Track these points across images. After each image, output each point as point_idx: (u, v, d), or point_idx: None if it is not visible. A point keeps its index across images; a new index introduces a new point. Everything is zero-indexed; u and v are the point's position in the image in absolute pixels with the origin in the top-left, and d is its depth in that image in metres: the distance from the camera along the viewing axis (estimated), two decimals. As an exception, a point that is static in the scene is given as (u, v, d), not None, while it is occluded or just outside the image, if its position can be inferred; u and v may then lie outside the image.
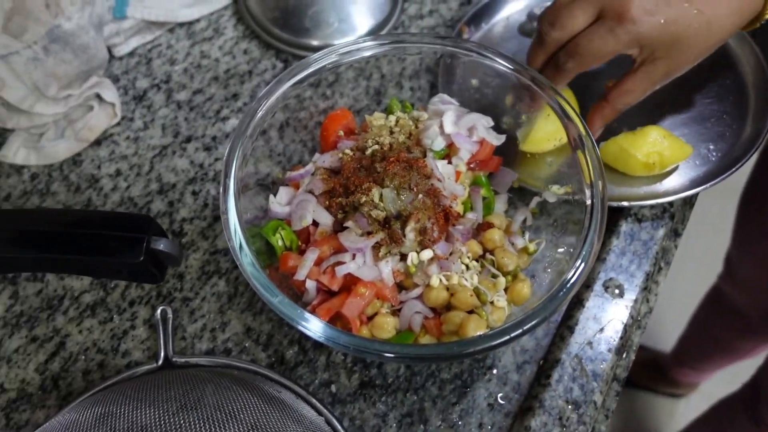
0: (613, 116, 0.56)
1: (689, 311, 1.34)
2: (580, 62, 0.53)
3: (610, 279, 0.56)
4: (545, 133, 0.53)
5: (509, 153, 0.56)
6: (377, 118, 0.55)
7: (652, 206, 0.59)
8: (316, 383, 0.53)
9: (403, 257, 0.48)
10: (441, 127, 0.53)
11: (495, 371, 0.53)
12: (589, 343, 0.53)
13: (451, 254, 0.49)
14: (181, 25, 0.72)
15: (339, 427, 0.49)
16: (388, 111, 0.57)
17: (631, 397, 1.54)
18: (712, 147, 0.60)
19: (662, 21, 0.50)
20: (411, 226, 0.47)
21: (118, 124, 0.65)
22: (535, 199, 0.55)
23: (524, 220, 0.55)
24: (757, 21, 0.53)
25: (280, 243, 0.50)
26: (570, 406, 0.51)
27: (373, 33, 0.70)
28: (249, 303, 0.56)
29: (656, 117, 0.62)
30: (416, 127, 0.54)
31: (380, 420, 0.51)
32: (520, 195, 0.56)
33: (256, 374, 0.51)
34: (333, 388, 0.52)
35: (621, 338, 0.54)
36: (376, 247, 0.48)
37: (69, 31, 0.59)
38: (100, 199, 0.61)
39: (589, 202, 0.46)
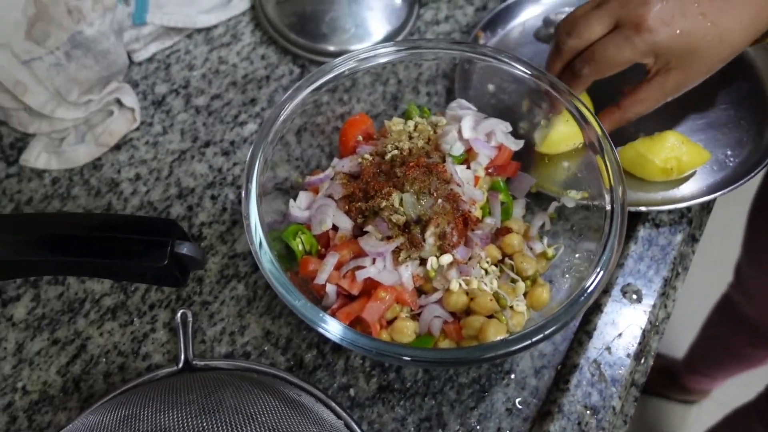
0: (622, 124, 0.57)
1: (701, 318, 1.33)
2: (596, 69, 0.53)
3: (628, 284, 0.56)
4: (563, 135, 0.54)
5: (527, 158, 0.56)
6: (396, 123, 0.55)
7: (669, 211, 0.59)
8: (334, 387, 0.53)
9: (423, 262, 0.48)
10: (459, 132, 0.53)
11: (513, 376, 0.53)
12: (608, 348, 0.53)
13: (470, 259, 0.49)
14: (199, 30, 0.72)
15: (358, 430, 0.50)
16: (406, 116, 0.57)
17: (642, 403, 1.54)
18: (729, 152, 0.60)
19: (678, 32, 0.50)
20: (431, 230, 0.48)
21: (138, 128, 0.66)
22: (554, 204, 0.55)
23: (542, 225, 0.55)
24: (766, 37, 0.54)
25: (300, 247, 0.50)
26: (588, 411, 0.51)
27: (390, 38, 0.70)
28: (268, 307, 0.56)
29: (673, 122, 0.62)
30: (435, 132, 0.54)
31: (399, 424, 0.51)
32: (537, 200, 0.57)
33: (276, 377, 0.52)
34: (352, 391, 0.53)
35: (639, 343, 0.54)
36: (396, 251, 0.48)
37: (91, 37, 0.60)
38: (120, 203, 0.62)
39: (609, 207, 0.46)
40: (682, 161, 0.57)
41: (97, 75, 0.62)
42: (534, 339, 0.42)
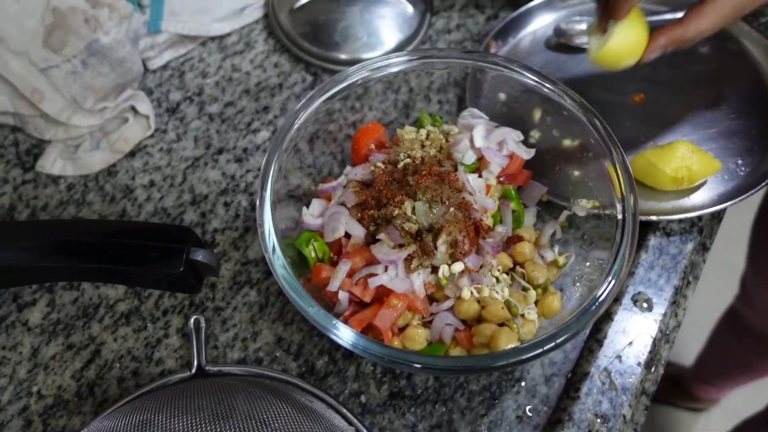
0: (682, 42, 0.53)
1: (709, 327, 1.33)
2: None
3: (639, 293, 0.56)
4: (624, 43, 0.51)
5: (538, 167, 0.57)
6: (408, 132, 0.55)
7: (680, 220, 0.59)
8: (346, 393, 0.53)
9: (435, 269, 0.49)
10: (471, 141, 0.54)
11: (523, 383, 0.53)
12: (618, 357, 0.53)
13: (481, 267, 0.50)
14: (213, 39, 0.73)
15: (369, 437, 0.50)
16: (418, 124, 0.57)
17: (651, 411, 1.53)
18: (740, 162, 0.60)
19: None
20: (442, 238, 0.48)
21: (152, 135, 0.67)
22: (565, 213, 0.55)
23: (553, 234, 0.55)
24: None
25: (312, 254, 0.51)
26: (599, 420, 0.51)
27: (402, 47, 0.71)
28: (280, 313, 0.57)
29: (683, 132, 0.62)
30: (447, 140, 0.55)
31: (409, 431, 0.52)
32: (548, 208, 0.57)
33: (288, 383, 0.52)
34: (363, 398, 0.53)
35: (650, 352, 0.54)
36: (408, 259, 0.48)
37: (107, 45, 0.61)
38: (135, 210, 0.62)
39: (620, 216, 0.47)
40: (692, 170, 0.57)
41: (113, 82, 0.63)
42: (545, 348, 0.42)
